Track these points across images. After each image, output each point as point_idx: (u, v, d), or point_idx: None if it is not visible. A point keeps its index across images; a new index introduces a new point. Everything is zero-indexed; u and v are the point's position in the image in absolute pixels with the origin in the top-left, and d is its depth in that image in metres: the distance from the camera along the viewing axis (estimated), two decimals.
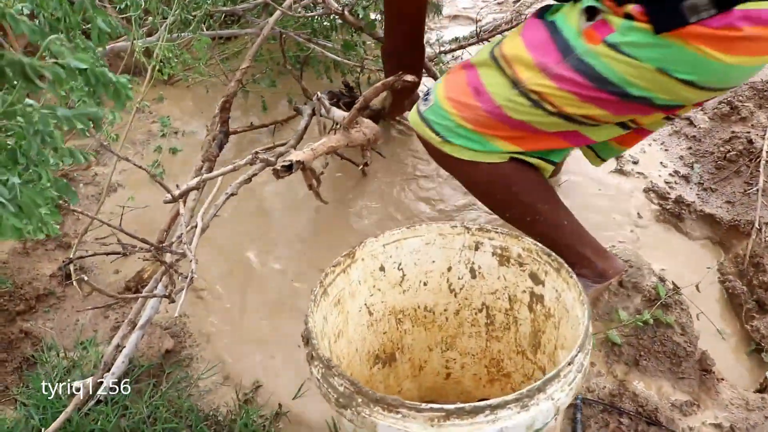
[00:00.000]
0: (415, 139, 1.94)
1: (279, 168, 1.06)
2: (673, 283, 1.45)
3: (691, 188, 1.73)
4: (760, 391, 1.26)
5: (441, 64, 2.11)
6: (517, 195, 1.26)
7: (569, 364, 0.81)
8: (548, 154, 1.27)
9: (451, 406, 0.76)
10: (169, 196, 1.07)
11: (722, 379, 1.27)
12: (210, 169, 1.54)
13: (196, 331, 1.43)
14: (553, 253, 0.99)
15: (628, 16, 1.01)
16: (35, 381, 1.21)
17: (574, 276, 0.94)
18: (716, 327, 1.40)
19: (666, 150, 1.87)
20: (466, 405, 0.76)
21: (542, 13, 1.18)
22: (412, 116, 1.26)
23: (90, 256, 1.54)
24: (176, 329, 1.41)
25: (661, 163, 1.83)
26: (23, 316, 1.41)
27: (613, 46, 1.02)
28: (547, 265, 1.00)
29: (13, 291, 1.42)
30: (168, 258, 1.22)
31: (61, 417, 1.07)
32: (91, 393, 1.15)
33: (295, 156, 1.07)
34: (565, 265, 0.96)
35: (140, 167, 1.10)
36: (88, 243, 1.63)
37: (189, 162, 1.85)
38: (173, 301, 1.07)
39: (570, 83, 1.08)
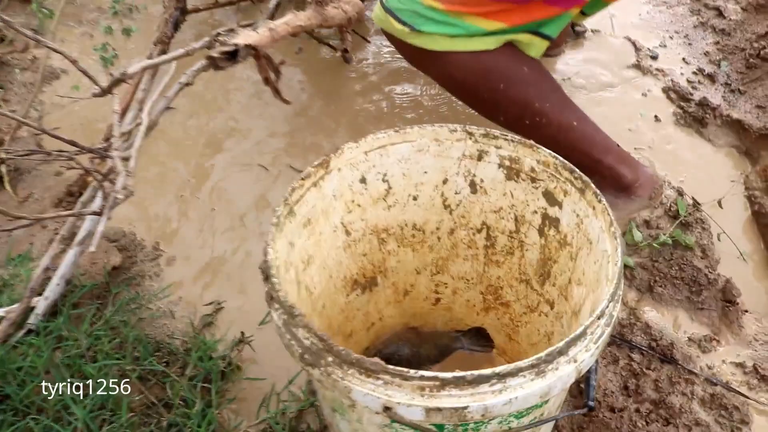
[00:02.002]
0: None
1: (216, 55, 0.83)
2: (693, 198, 1.28)
3: (716, 89, 1.52)
4: None
5: None
6: (508, 91, 1.05)
7: (599, 318, 0.64)
8: (541, 26, 1.05)
9: (448, 375, 0.59)
10: (96, 89, 0.85)
11: (746, 311, 1.12)
12: (163, 53, 1.30)
13: (149, 245, 1.24)
14: (578, 170, 0.80)
15: None
16: None
17: (604, 200, 0.75)
18: (739, 250, 1.24)
19: (689, 44, 1.64)
20: (467, 374, 0.59)
21: None
22: (376, 11, 1.04)
23: (26, 154, 1.31)
24: (126, 242, 1.23)
25: (683, 59, 1.60)
26: None
27: None
28: (567, 184, 0.81)
29: None
30: (119, 164, 1.01)
31: None
32: (18, 321, 0.97)
33: (242, 38, 0.83)
34: (593, 186, 0.77)
35: (57, 51, 0.86)
36: (24, 139, 1.40)
37: (146, 45, 1.60)
38: (109, 218, 0.87)
39: None
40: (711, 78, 1.54)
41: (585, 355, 0.63)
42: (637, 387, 1.01)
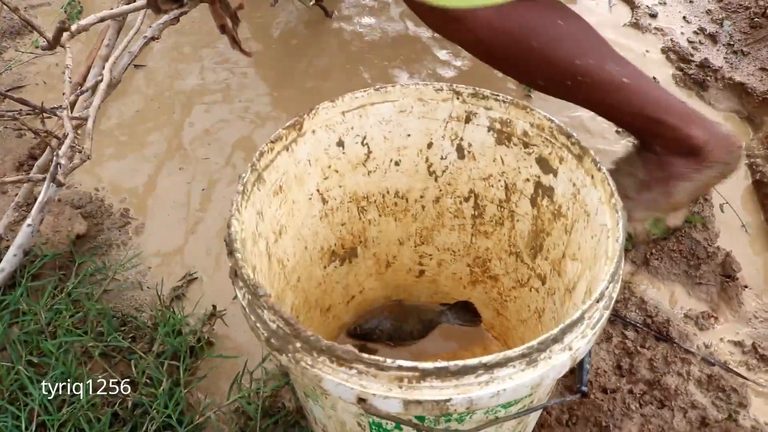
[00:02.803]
0: None
1: None
2: None
3: (718, 50, 1.45)
4: None
5: None
6: (543, 50, 0.92)
7: (597, 301, 0.57)
8: None
9: (429, 365, 0.52)
10: (44, 42, 0.76)
11: (746, 287, 1.07)
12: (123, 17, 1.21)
13: (117, 212, 1.16)
14: (575, 135, 0.72)
15: None
16: None
17: (604, 169, 0.68)
18: (742, 221, 1.18)
19: (691, 2, 1.55)
20: (450, 364, 0.52)
21: None
22: None
23: None
24: (92, 208, 1.15)
25: (684, 17, 1.52)
26: None
27: None
28: (564, 150, 0.74)
29: None
30: (68, 125, 0.92)
31: None
32: None
33: None
34: (591, 153, 0.70)
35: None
36: None
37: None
38: (61, 185, 0.79)
39: None
40: (713, 38, 1.46)
41: (581, 342, 0.57)
42: (630, 366, 0.96)
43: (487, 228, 0.93)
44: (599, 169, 0.69)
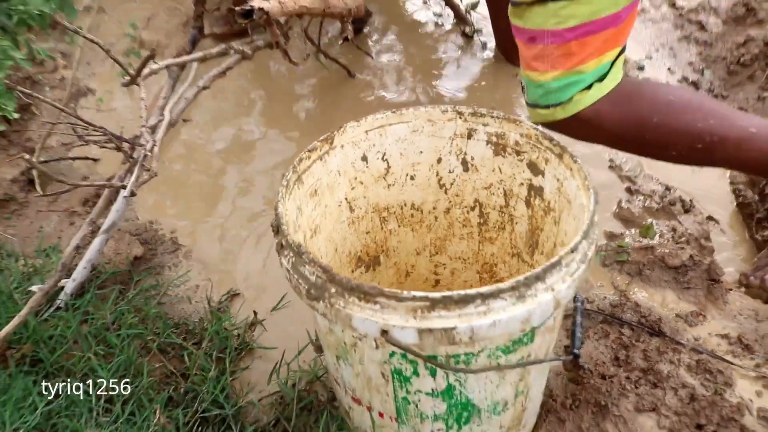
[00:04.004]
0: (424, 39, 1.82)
1: (237, 10, 0.94)
2: (691, 201, 1.36)
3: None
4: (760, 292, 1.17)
5: None
6: (666, 122, 1.04)
7: (572, 251, 0.71)
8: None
9: (437, 294, 0.66)
10: (127, 78, 0.95)
11: (731, 289, 1.18)
12: (182, 68, 1.41)
13: (168, 239, 1.33)
14: (555, 138, 0.88)
15: None
16: None
17: (579, 160, 0.83)
18: (727, 237, 1.31)
19: (674, 56, 1.74)
20: (454, 293, 0.66)
21: None
22: (530, 116, 1.11)
23: (56, 160, 1.42)
24: (147, 236, 1.32)
25: (668, 69, 1.70)
26: None
27: None
28: (548, 152, 0.89)
29: None
30: (137, 153, 1.11)
31: (15, 320, 0.98)
32: (49, 296, 1.06)
33: (257, 3, 0.94)
34: (568, 150, 0.86)
35: (91, 40, 0.97)
36: (54, 148, 1.51)
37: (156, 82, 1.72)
38: (134, 194, 0.96)
39: None
40: (695, 85, 1.63)
41: (562, 286, 0.70)
42: (626, 357, 1.07)
43: (491, 234, 1.07)
44: (575, 162, 0.84)
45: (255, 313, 1.16)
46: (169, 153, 1.53)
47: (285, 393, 1.02)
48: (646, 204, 1.35)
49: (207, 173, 1.49)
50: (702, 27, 1.77)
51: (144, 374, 0.99)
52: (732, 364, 1.04)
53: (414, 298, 0.66)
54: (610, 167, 1.46)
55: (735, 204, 1.39)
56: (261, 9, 0.93)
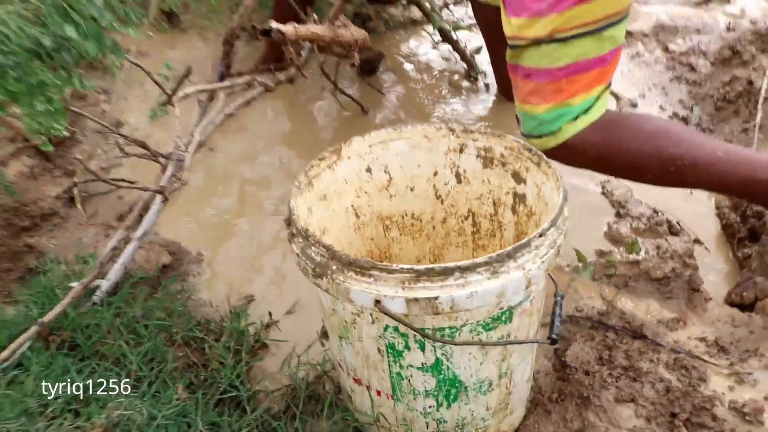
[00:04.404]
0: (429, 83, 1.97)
1: (258, 28, 1.09)
2: (679, 223, 1.46)
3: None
4: (740, 306, 1.26)
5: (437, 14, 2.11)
6: (641, 148, 1.17)
7: (540, 236, 0.82)
8: None
9: (421, 267, 0.77)
10: (164, 97, 1.10)
11: (710, 299, 1.27)
12: (210, 99, 1.57)
13: (194, 251, 1.46)
14: (533, 148, 1.00)
15: None
16: (35, 284, 1.25)
17: (553, 166, 0.95)
18: (711, 256, 1.40)
19: (666, 95, 1.86)
20: (436, 266, 0.77)
21: None
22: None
23: (94, 180, 1.57)
24: (174, 248, 1.44)
25: (660, 106, 1.82)
26: (28, 231, 1.46)
27: None
28: (528, 161, 1.01)
29: (19, 207, 1.46)
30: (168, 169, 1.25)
31: (57, 308, 1.11)
32: (86, 292, 1.18)
33: (275, 24, 1.09)
34: (545, 157, 0.98)
35: (135, 64, 1.12)
36: (92, 172, 1.66)
37: (192, 104, 1.89)
38: (166, 199, 1.10)
39: (564, 1, 1.10)
40: (685, 120, 1.75)
41: (532, 266, 0.81)
42: (610, 356, 1.15)
43: (484, 242, 1.18)
44: (549, 167, 0.95)
45: (270, 314, 1.27)
46: (195, 175, 1.67)
47: (295, 382, 1.12)
48: (634, 225, 1.46)
49: (230, 194, 1.63)
50: (692, 68, 1.90)
51: (168, 361, 1.10)
52: (707, 362, 1.13)
53: (402, 270, 0.78)
54: (602, 193, 1.57)
55: (720, 226, 1.48)
56: (278, 30, 1.08)
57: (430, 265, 0.77)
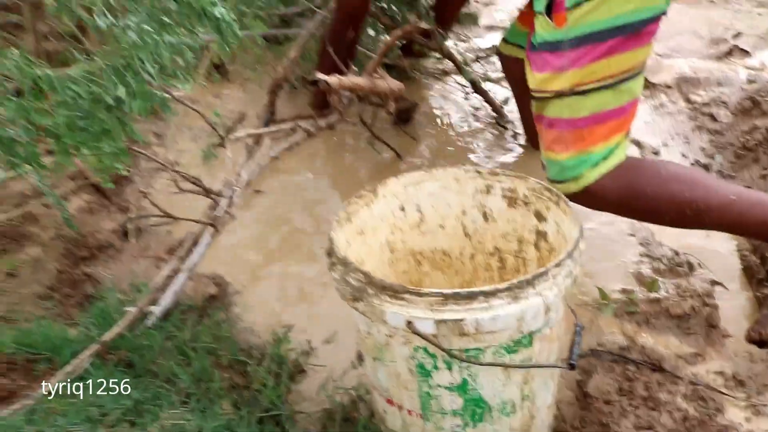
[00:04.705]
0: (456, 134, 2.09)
1: (308, 78, 1.21)
2: (700, 263, 1.52)
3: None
4: (759, 343, 1.30)
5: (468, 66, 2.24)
6: (658, 193, 1.25)
7: (557, 266, 0.90)
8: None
9: (449, 291, 0.86)
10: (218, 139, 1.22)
11: (729, 336, 1.32)
12: (256, 143, 1.70)
13: (237, 284, 1.56)
14: (553, 188, 1.09)
15: None
16: (94, 309, 1.36)
17: (569, 203, 1.04)
18: (731, 295, 1.46)
19: (688, 143, 1.94)
20: (462, 290, 0.86)
21: (530, 42, 1.33)
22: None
23: (146, 216, 1.70)
24: (220, 280, 1.55)
25: (682, 154, 1.90)
26: (86, 261, 1.58)
27: (576, 6, 1.17)
28: (548, 201, 1.10)
29: (79, 239, 1.59)
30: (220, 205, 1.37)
31: (115, 329, 1.22)
32: (140, 317, 1.29)
33: (321, 75, 1.22)
34: (563, 197, 1.06)
35: (194, 109, 1.25)
36: (144, 208, 1.80)
37: (239, 148, 2.02)
38: (218, 231, 1.21)
39: (585, 57, 1.21)
40: (706, 167, 1.82)
41: (549, 293, 0.89)
42: (630, 387, 1.21)
43: (509, 276, 1.26)
44: (567, 205, 1.04)
45: (309, 342, 1.36)
46: (240, 213, 1.79)
47: (332, 404, 1.20)
48: (654, 266, 1.52)
49: (272, 232, 1.73)
50: (713, 118, 1.98)
51: (215, 380, 1.20)
52: (725, 394, 1.18)
53: (431, 294, 0.87)
54: (629, 234, 1.64)
55: (741, 267, 1.54)
56: (324, 81, 1.21)
57: (457, 290, 0.86)
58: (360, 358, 1.21)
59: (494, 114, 2.15)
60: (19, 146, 0.98)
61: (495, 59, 2.42)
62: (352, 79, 1.27)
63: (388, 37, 2.14)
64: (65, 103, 0.96)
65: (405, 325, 0.88)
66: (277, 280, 1.59)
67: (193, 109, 1.27)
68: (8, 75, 1.06)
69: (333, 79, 1.24)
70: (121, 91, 1.07)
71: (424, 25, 1.45)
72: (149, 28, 0.89)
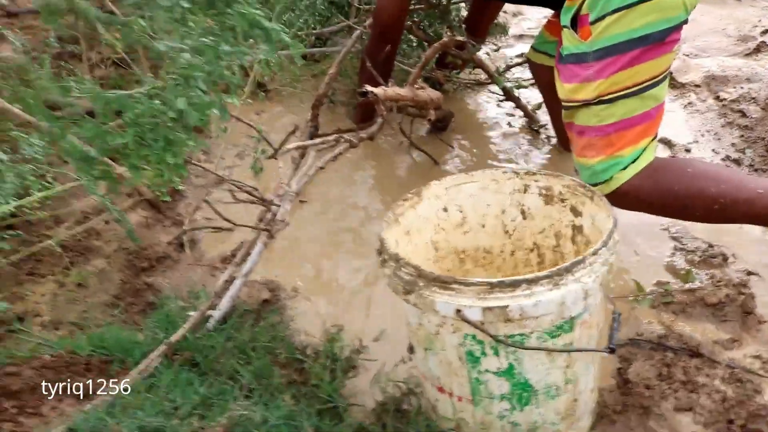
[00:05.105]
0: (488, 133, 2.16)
1: (358, 92, 1.31)
2: (733, 255, 1.57)
3: (742, 170, 1.84)
4: None
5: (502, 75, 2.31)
6: (686, 189, 1.31)
7: (594, 254, 0.97)
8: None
9: (494, 280, 0.94)
10: (270, 151, 1.32)
11: (765, 321, 1.37)
12: (301, 156, 1.79)
13: (289, 288, 1.65)
14: (587, 184, 1.16)
15: None
16: (157, 315, 1.47)
17: (603, 197, 1.10)
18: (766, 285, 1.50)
19: (718, 139, 1.98)
20: (506, 279, 0.93)
21: (559, 54, 1.41)
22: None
23: (200, 228, 1.81)
24: (272, 285, 1.64)
25: (713, 150, 1.94)
26: (146, 272, 1.69)
27: (599, 20, 1.24)
28: (583, 196, 1.17)
29: (139, 251, 1.70)
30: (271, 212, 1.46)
31: (180, 331, 1.31)
32: (201, 321, 1.38)
33: (370, 88, 1.31)
34: (595, 190, 1.13)
35: (249, 124, 1.35)
36: (197, 222, 1.90)
37: (284, 161, 2.12)
38: (272, 237, 1.30)
39: (609, 68, 1.29)
40: (737, 162, 1.86)
41: (588, 279, 0.96)
42: (669, 373, 1.26)
43: None
44: (601, 199, 1.11)
45: (360, 340, 1.44)
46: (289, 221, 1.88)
47: (385, 397, 1.28)
48: (689, 258, 1.57)
49: (319, 238, 1.83)
50: (743, 114, 2.01)
51: (275, 377, 1.28)
52: (762, 376, 1.22)
53: (477, 283, 0.94)
54: (662, 229, 1.69)
55: None
56: (372, 92, 1.30)
57: (501, 279, 0.93)
58: (411, 350, 1.28)
59: (527, 119, 2.22)
60: (97, 164, 1.08)
61: (526, 66, 2.49)
62: (396, 90, 1.36)
63: (423, 51, 2.24)
64: (135, 122, 1.06)
65: (454, 313, 0.96)
66: (325, 284, 1.67)
67: (248, 124, 1.37)
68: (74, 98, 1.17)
69: (379, 90, 1.34)
70: (182, 102, 1.15)
71: (460, 37, 1.53)
72: (205, 44, 0.97)
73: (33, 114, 0.87)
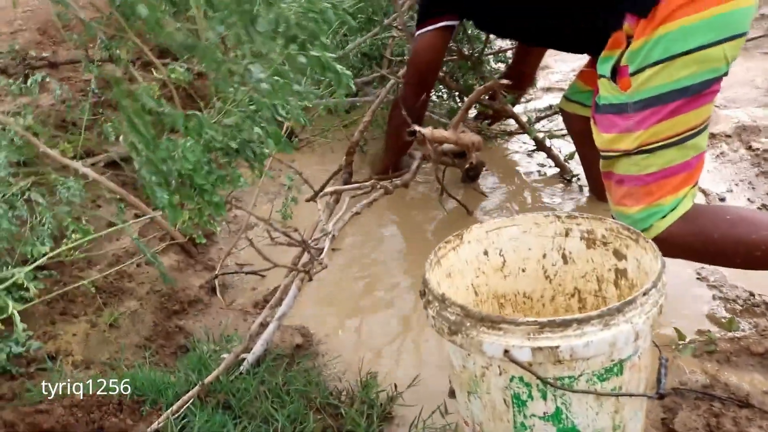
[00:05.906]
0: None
1: (408, 130, 1.33)
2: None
3: None
4: None
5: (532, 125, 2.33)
6: (725, 236, 1.30)
7: (644, 295, 0.95)
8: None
9: (544, 319, 0.92)
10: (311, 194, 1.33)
11: None
12: (336, 201, 1.80)
13: (322, 334, 1.64)
14: (631, 227, 1.15)
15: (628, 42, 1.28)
16: (190, 357, 1.45)
17: (649, 240, 1.09)
18: None
19: (753, 188, 1.97)
20: (557, 318, 0.92)
21: (595, 103, 1.43)
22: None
23: (232, 273, 1.81)
24: (305, 331, 1.63)
25: (748, 199, 1.93)
26: (178, 315, 1.68)
27: (639, 71, 1.25)
28: (627, 239, 1.16)
29: (171, 294, 1.70)
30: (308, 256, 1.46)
31: (214, 373, 1.30)
32: (234, 363, 1.37)
33: (418, 128, 1.33)
34: (640, 233, 1.12)
35: (290, 167, 1.36)
36: (229, 266, 1.91)
37: (314, 210, 2.13)
38: (311, 279, 1.30)
39: (650, 119, 1.31)
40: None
41: (638, 320, 0.94)
42: (717, 423, 1.22)
43: None
44: (647, 241, 1.09)
45: (395, 386, 1.41)
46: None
47: None
48: (729, 306, 1.54)
49: (352, 285, 1.82)
50: None
51: (309, 421, 1.26)
52: None
53: (527, 323, 0.92)
54: (698, 278, 1.66)
55: None
56: (419, 131, 1.32)
57: (552, 318, 0.91)
58: (452, 394, 1.26)
59: (558, 169, 2.22)
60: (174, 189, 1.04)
61: (555, 117, 2.52)
62: (441, 132, 1.39)
63: (454, 102, 2.27)
64: (208, 146, 1.04)
65: (502, 354, 0.94)
66: (357, 330, 1.66)
67: (289, 166, 1.39)
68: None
69: (427, 131, 1.36)
70: (258, 130, 1.13)
71: (505, 81, 1.56)
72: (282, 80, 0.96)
73: (133, 120, 0.86)
